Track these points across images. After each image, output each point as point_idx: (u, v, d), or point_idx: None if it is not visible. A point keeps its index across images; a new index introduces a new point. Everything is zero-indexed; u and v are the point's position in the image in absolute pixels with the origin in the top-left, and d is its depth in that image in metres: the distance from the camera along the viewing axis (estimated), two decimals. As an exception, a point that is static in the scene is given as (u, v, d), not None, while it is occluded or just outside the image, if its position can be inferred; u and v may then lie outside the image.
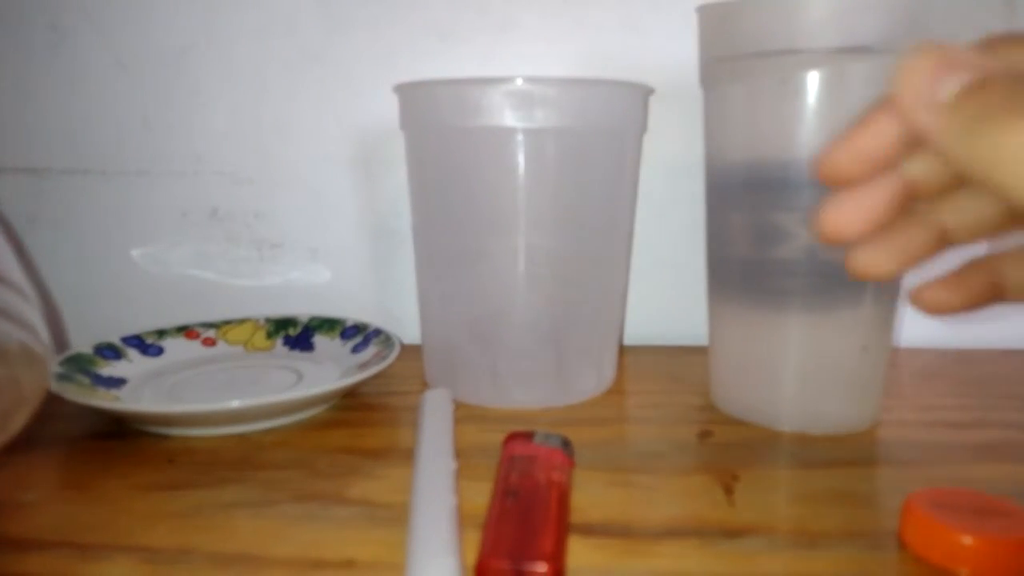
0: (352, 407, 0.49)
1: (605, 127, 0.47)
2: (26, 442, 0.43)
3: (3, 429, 0.31)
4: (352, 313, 0.60)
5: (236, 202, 0.63)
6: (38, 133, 0.63)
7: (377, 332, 0.55)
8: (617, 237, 0.50)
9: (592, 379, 0.50)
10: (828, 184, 0.24)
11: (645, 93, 0.49)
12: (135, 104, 0.62)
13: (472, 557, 0.31)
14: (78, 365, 0.49)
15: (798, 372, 0.44)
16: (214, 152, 0.62)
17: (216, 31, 0.60)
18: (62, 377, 0.46)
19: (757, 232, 0.43)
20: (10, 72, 0.62)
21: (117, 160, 0.63)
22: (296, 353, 0.57)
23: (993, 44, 0.21)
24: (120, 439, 0.44)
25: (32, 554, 0.32)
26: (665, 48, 0.58)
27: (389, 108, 0.50)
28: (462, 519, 0.34)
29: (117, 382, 0.50)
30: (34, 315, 0.33)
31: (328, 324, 0.58)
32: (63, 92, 0.62)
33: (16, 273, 0.33)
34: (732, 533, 0.33)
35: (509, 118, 0.44)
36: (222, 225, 0.64)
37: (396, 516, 0.34)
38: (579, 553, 0.32)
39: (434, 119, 0.47)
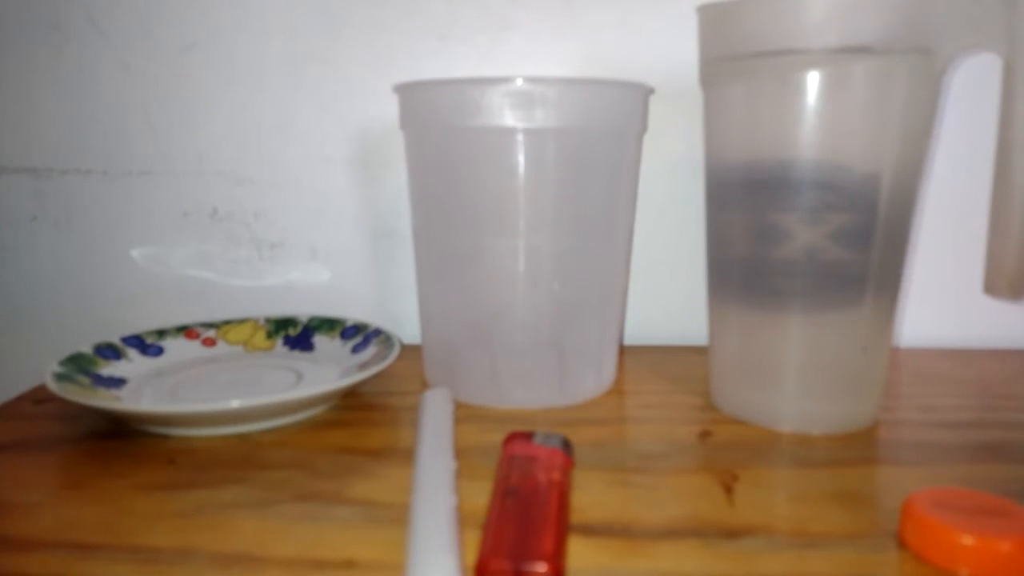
0: (352, 407, 0.49)
1: (605, 127, 0.47)
2: (26, 442, 0.43)
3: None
4: (352, 313, 0.60)
5: (236, 202, 0.64)
6: (40, 133, 0.63)
7: (377, 332, 0.55)
8: (617, 237, 0.50)
9: (592, 379, 0.50)
10: None
11: (645, 93, 0.49)
12: (137, 104, 0.62)
13: (472, 557, 0.31)
14: (78, 365, 0.49)
15: (798, 372, 0.44)
16: (215, 152, 0.63)
17: (217, 31, 0.60)
18: (62, 377, 0.46)
19: (757, 232, 0.43)
20: (13, 72, 0.62)
21: (119, 160, 0.63)
22: (296, 353, 0.57)
23: None
24: (120, 439, 0.44)
25: (32, 554, 0.32)
26: (665, 48, 0.58)
27: (389, 108, 0.50)
28: (462, 519, 0.34)
29: (117, 382, 0.50)
30: None
31: (328, 324, 0.58)
32: (65, 92, 0.62)
33: None
34: (732, 533, 0.33)
35: (509, 118, 0.44)
36: (222, 225, 0.64)
37: (396, 516, 0.35)
38: (579, 553, 0.32)
39: (434, 119, 0.47)
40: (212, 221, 0.64)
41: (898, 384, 0.52)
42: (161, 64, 0.61)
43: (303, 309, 0.62)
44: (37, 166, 0.64)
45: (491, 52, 0.60)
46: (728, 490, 0.37)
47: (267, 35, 0.60)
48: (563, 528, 0.32)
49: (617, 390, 0.52)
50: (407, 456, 0.41)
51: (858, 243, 0.42)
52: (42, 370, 0.47)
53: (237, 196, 0.63)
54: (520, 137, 0.44)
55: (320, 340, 0.58)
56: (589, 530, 0.34)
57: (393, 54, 0.60)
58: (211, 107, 0.62)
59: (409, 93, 0.48)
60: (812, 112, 0.40)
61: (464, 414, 0.47)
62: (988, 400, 0.50)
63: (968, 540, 0.30)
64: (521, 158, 0.44)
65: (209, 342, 0.58)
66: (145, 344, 0.55)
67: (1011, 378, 0.54)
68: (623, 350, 0.59)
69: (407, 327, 0.62)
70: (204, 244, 0.64)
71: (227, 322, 0.59)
